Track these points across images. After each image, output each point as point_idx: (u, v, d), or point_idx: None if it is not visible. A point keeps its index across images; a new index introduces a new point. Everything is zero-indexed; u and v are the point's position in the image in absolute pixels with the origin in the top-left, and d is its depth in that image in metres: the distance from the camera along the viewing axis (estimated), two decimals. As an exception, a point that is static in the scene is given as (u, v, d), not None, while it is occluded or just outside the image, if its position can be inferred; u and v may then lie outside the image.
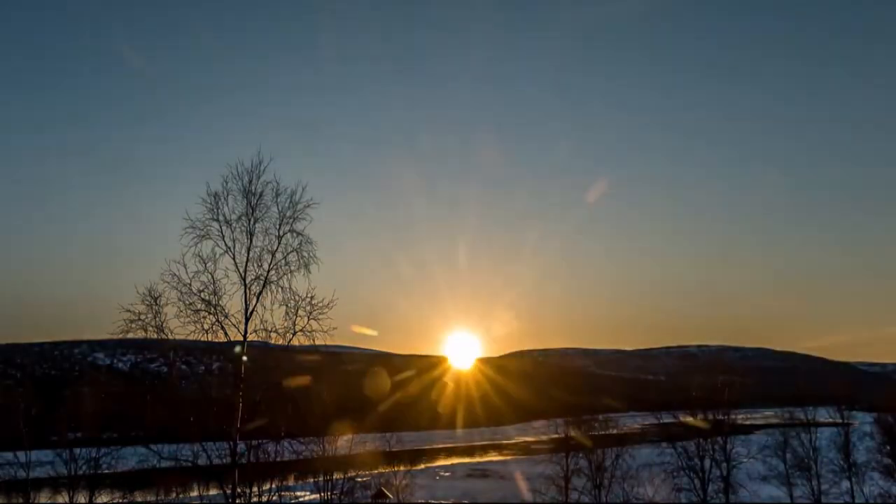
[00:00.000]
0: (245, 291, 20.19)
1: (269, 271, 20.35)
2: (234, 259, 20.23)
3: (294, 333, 20.31)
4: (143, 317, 19.07)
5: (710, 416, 44.49)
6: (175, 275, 19.49)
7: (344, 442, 45.55)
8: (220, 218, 20.14)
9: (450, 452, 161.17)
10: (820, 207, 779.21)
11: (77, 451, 37.40)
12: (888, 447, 49.35)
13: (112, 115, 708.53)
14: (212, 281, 19.81)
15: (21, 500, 36.92)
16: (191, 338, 20.53)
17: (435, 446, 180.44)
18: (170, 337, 19.58)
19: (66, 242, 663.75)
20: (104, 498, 41.35)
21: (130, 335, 19.14)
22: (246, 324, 20.07)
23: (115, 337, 19.82)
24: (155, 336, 19.25)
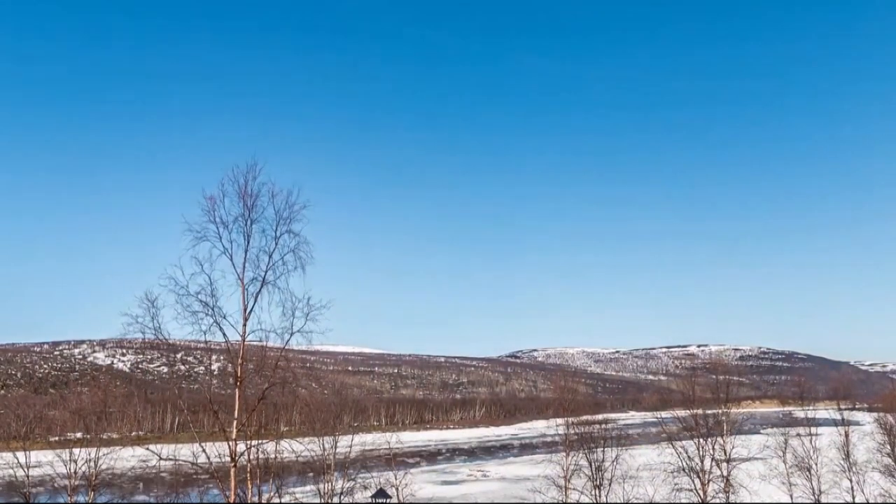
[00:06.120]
0: (243, 292, 20.12)
1: (266, 272, 20.30)
2: (231, 260, 20.19)
3: (292, 334, 20.25)
4: (140, 319, 18.98)
5: (711, 416, 44.41)
6: (172, 277, 19.43)
7: (344, 441, 45.46)
8: (217, 220, 20.10)
9: (450, 452, 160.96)
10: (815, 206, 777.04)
11: (77, 451, 37.30)
12: (888, 447, 49.26)
13: (111, 117, 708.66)
14: (209, 282, 19.77)
15: (21, 500, 36.85)
16: (189, 339, 20.47)
17: (435, 445, 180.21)
18: (168, 339, 19.49)
19: (66, 243, 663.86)
20: (104, 498, 41.29)
21: (129, 337, 19.08)
22: (244, 325, 20.00)
23: (114, 338, 19.82)
24: (153, 338, 19.16)
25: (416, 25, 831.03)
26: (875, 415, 67.09)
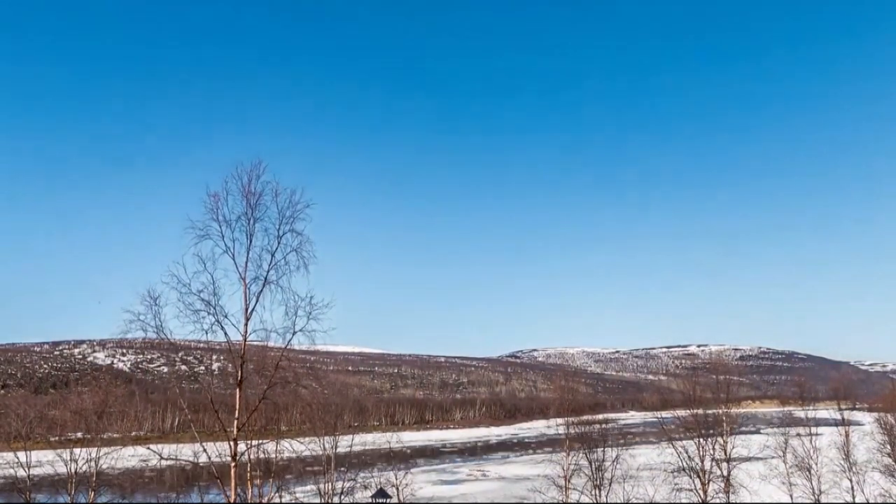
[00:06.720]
0: (245, 291, 20.11)
1: (268, 271, 20.25)
2: (233, 259, 20.12)
3: (294, 333, 20.21)
4: (142, 317, 18.95)
5: (711, 416, 44.43)
6: (174, 275, 19.37)
7: (344, 441, 45.51)
8: (220, 218, 20.02)
9: (450, 452, 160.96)
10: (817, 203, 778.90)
11: (77, 450, 37.32)
12: (888, 447, 49.27)
13: (111, 117, 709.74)
14: (211, 281, 19.71)
15: (21, 500, 36.86)
16: (190, 338, 20.44)
17: (435, 445, 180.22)
18: (169, 338, 19.47)
19: (66, 242, 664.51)
20: (104, 498, 41.30)
21: (130, 336, 19.06)
22: (246, 324, 19.98)
23: (115, 337, 19.76)
24: (154, 336, 19.15)
25: (417, 27, 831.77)
26: (875, 415, 67.09)
